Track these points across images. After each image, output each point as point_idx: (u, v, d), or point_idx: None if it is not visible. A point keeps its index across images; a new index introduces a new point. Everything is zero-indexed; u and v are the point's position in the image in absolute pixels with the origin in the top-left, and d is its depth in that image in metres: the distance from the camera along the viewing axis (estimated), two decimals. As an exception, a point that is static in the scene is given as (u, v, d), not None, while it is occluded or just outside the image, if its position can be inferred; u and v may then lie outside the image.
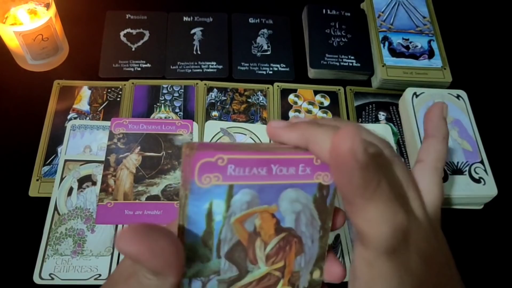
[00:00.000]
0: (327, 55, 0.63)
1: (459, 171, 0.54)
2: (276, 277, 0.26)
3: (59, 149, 0.53)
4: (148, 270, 0.21)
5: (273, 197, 0.24)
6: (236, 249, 0.25)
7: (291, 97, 0.61)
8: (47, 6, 0.56)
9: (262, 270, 0.25)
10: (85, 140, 0.54)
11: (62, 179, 0.51)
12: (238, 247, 0.24)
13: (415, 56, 0.63)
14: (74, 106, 0.57)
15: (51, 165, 0.52)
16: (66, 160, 0.52)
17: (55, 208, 0.49)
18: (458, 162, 0.54)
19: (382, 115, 0.61)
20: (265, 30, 0.66)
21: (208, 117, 0.58)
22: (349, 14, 0.67)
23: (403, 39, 0.64)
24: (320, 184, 0.25)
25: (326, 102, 0.61)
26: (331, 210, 0.26)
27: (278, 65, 0.63)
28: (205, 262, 0.24)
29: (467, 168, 0.54)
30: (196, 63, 0.62)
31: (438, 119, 0.29)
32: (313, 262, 0.26)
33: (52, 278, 0.45)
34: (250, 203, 0.24)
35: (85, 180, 0.51)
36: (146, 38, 0.63)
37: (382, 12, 0.67)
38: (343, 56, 0.63)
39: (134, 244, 0.20)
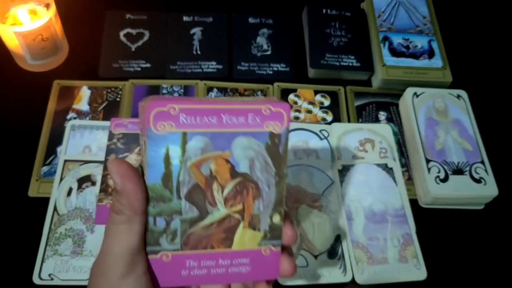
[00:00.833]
0: (327, 55, 0.63)
1: (460, 171, 0.54)
2: (236, 220, 0.28)
3: (58, 149, 0.53)
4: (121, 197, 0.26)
5: (225, 144, 0.27)
6: (195, 191, 0.27)
7: (291, 97, 0.61)
8: (47, 6, 0.55)
9: (221, 212, 0.28)
10: (85, 140, 0.54)
11: (61, 179, 0.51)
12: (197, 189, 0.27)
13: (415, 56, 0.63)
14: (74, 106, 0.57)
15: (51, 165, 0.52)
16: (65, 160, 0.52)
17: (55, 209, 0.49)
18: (458, 162, 0.54)
19: (382, 115, 0.61)
20: (265, 30, 0.65)
21: (208, 117, 0.58)
22: (349, 14, 0.67)
23: (403, 39, 0.64)
24: (271, 133, 0.27)
25: (326, 102, 0.61)
26: (284, 158, 0.28)
27: (278, 65, 0.63)
28: (167, 202, 0.27)
29: (467, 168, 0.54)
30: (196, 63, 0.62)
31: None
32: (272, 206, 0.28)
33: (52, 279, 0.45)
34: (204, 149, 0.26)
35: (84, 180, 0.51)
36: (146, 38, 0.63)
37: (382, 12, 0.66)
38: (343, 56, 0.63)
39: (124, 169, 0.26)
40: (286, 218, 0.29)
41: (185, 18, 0.65)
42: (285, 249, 0.30)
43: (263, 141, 0.27)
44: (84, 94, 0.58)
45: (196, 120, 0.26)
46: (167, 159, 0.26)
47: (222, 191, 0.27)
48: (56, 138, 0.54)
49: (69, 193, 0.50)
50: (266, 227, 0.28)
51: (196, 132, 0.26)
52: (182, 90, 0.59)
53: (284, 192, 0.28)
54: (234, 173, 0.27)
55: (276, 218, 0.29)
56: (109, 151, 0.52)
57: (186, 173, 0.26)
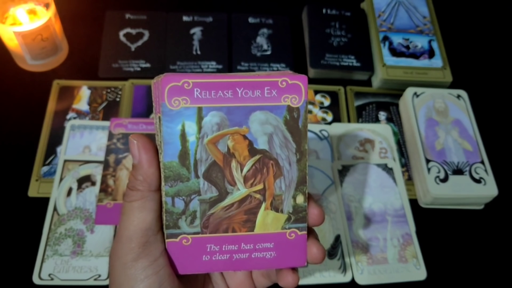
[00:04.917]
0: (327, 55, 0.63)
1: (460, 171, 0.54)
2: (258, 200, 0.27)
3: (58, 149, 0.53)
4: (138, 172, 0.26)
5: (242, 119, 0.26)
6: (213, 169, 0.26)
7: (291, 97, 0.61)
8: (47, 6, 0.55)
9: (241, 191, 0.27)
10: (85, 140, 0.54)
11: (61, 179, 0.51)
12: (215, 167, 0.26)
13: (415, 56, 0.63)
14: (74, 106, 0.57)
15: (51, 165, 0.52)
16: (65, 160, 0.52)
17: (55, 209, 0.49)
18: (458, 162, 0.54)
19: (382, 115, 0.61)
20: (265, 30, 0.65)
21: (207, 117, 0.58)
22: (349, 14, 0.67)
23: (403, 39, 0.64)
24: (289, 107, 0.26)
25: (327, 102, 0.61)
26: (305, 133, 0.27)
27: (278, 65, 0.63)
28: (184, 181, 0.26)
29: (467, 168, 0.54)
30: (195, 63, 0.62)
31: None
32: (294, 186, 0.27)
33: (52, 279, 0.45)
34: (220, 125, 0.26)
35: (84, 181, 0.51)
36: (145, 38, 0.63)
37: (383, 12, 0.66)
38: (343, 56, 0.63)
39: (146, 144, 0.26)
40: (310, 198, 0.28)
41: (185, 18, 0.65)
42: (311, 233, 0.28)
43: (281, 116, 0.26)
44: (83, 94, 0.58)
45: (211, 95, 0.25)
46: (183, 136, 0.25)
47: (241, 170, 0.26)
48: (56, 138, 0.54)
49: (69, 193, 0.50)
50: (289, 209, 0.27)
51: (212, 107, 0.25)
52: (182, 90, 0.59)
53: (306, 170, 0.27)
54: (252, 150, 0.26)
55: (300, 199, 0.27)
56: (108, 151, 0.52)
57: (203, 150, 0.26)
